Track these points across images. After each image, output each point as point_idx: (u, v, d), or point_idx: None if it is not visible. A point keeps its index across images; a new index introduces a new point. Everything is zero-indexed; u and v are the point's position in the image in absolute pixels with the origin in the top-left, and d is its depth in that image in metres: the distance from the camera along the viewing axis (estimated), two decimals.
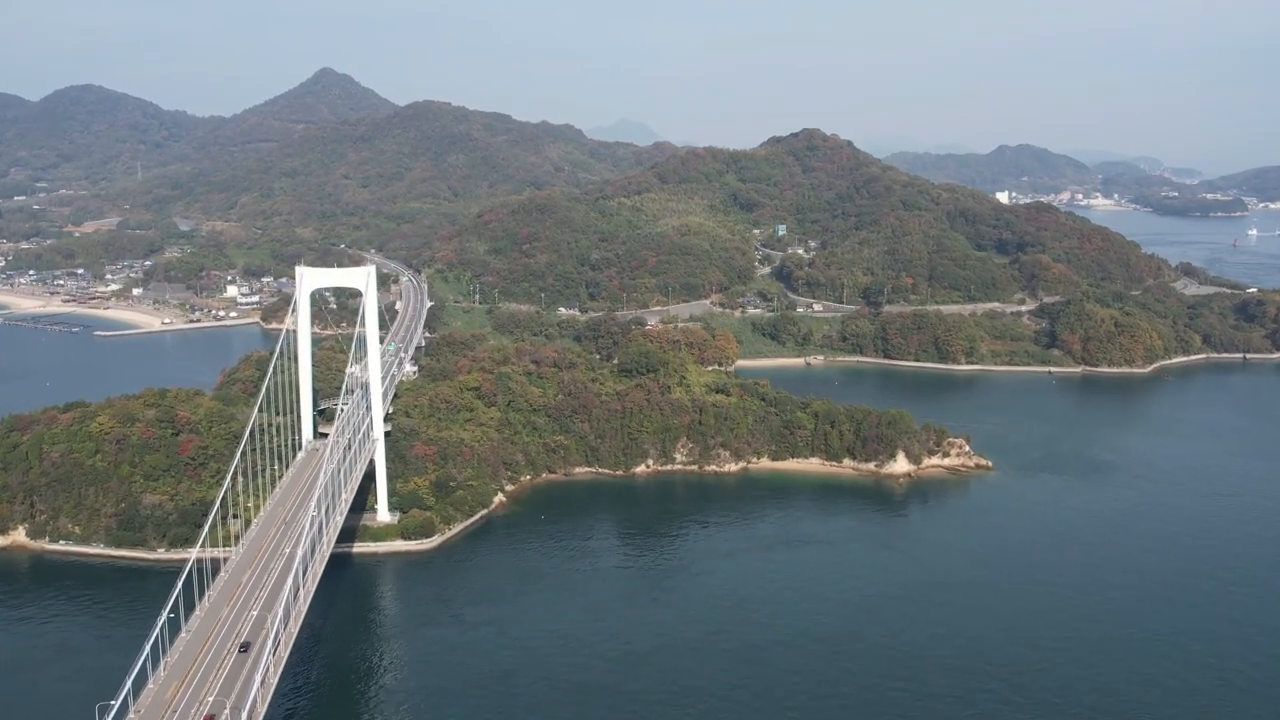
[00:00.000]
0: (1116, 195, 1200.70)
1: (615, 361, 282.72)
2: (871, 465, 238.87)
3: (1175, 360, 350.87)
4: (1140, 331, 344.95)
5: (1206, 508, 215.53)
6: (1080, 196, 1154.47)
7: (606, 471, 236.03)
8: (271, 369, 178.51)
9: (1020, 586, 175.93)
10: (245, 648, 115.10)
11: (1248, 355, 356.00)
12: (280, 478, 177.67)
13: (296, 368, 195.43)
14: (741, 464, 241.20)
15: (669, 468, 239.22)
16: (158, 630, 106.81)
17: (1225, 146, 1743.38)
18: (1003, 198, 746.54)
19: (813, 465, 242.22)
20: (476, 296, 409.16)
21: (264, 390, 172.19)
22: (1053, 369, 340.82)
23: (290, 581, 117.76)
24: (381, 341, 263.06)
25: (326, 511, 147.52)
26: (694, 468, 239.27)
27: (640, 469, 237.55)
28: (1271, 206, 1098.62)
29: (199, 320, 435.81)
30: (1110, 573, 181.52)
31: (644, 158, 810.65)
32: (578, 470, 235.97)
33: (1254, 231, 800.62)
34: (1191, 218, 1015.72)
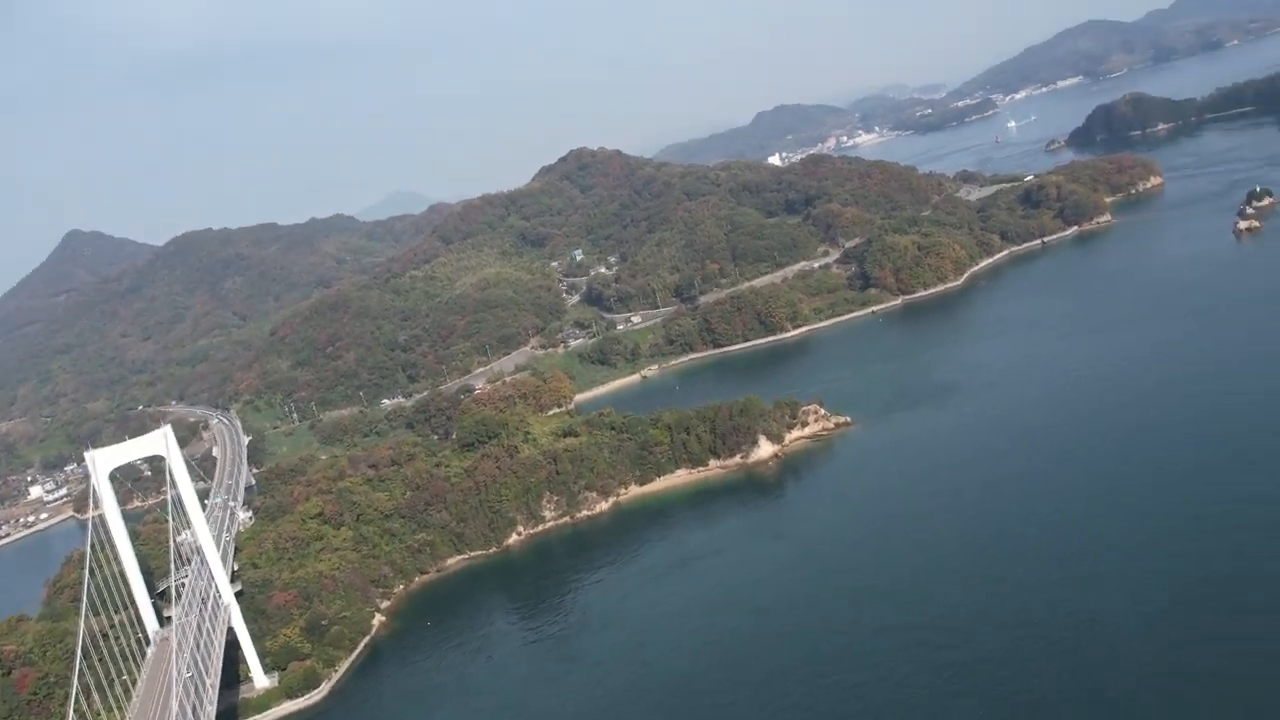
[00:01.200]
0: (877, 128, 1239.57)
1: (455, 438, 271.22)
2: (737, 459, 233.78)
3: (983, 264, 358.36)
4: (943, 248, 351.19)
5: (1056, 393, 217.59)
6: (845, 138, 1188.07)
7: (479, 553, 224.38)
8: (88, 569, 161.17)
9: (919, 533, 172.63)
10: None
11: (1045, 240, 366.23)
12: (135, 684, 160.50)
13: (119, 557, 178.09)
14: (611, 500, 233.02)
15: (541, 528, 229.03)
16: None
17: (960, 53, 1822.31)
18: (775, 160, 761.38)
19: (681, 478, 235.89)
20: (294, 416, 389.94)
21: (85, 594, 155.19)
22: (875, 308, 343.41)
23: None
24: (206, 496, 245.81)
25: (193, 709, 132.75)
26: (566, 519, 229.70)
27: (512, 539, 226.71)
28: (1017, 98, 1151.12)
29: (8, 534, 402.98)
30: (998, 484, 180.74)
31: (423, 224, 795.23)
32: (450, 562, 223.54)
33: (1012, 124, 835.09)
34: (950, 129, 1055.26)
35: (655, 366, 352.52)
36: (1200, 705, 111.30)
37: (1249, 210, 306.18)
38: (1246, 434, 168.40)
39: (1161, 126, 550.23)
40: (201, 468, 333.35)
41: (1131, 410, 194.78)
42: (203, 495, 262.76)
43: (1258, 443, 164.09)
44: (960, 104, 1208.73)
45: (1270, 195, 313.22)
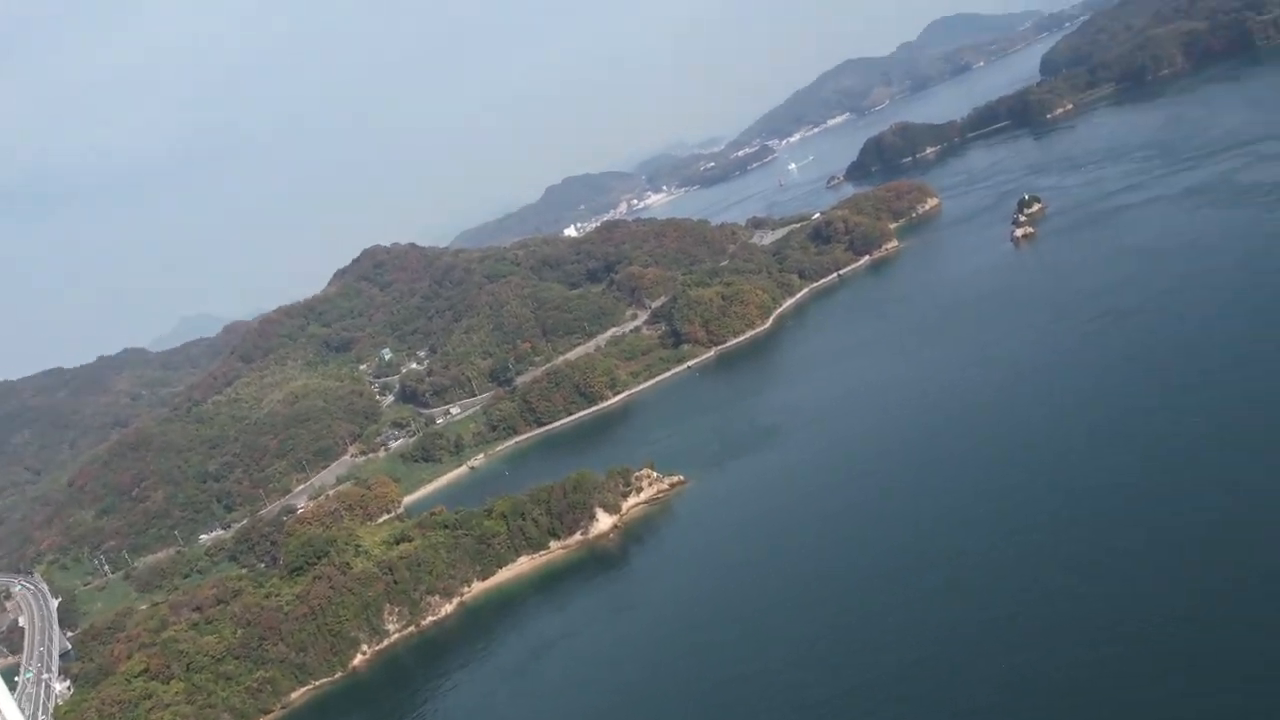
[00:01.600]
0: (665, 186, 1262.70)
1: (282, 564, 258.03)
2: (577, 536, 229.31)
3: (787, 304, 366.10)
4: (747, 294, 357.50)
5: (873, 423, 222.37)
6: (635, 201, 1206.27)
7: (324, 681, 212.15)
8: None
9: (761, 577, 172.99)
10: None
11: (840, 273, 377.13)
12: None
13: None
14: (455, 600, 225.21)
15: (386, 643, 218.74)
16: None
17: (733, 105, 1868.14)
18: (571, 232, 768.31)
19: (524, 565, 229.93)
20: (106, 569, 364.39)
21: None
22: (690, 363, 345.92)
23: None
24: (17, 673, 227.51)
25: None
26: (411, 629, 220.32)
27: (357, 660, 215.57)
28: (792, 141, 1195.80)
29: None
30: (831, 519, 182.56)
31: (221, 346, 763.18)
32: (294, 697, 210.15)
33: (792, 166, 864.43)
34: (734, 179, 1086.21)
35: (481, 455, 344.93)
36: (1054, 706, 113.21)
37: (1022, 218, 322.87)
38: (1045, 442, 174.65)
39: (929, 150, 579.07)
40: (8, 641, 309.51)
41: (943, 433, 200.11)
42: (12, 672, 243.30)
43: (1053, 449, 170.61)
44: (740, 153, 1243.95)
45: (1039, 201, 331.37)
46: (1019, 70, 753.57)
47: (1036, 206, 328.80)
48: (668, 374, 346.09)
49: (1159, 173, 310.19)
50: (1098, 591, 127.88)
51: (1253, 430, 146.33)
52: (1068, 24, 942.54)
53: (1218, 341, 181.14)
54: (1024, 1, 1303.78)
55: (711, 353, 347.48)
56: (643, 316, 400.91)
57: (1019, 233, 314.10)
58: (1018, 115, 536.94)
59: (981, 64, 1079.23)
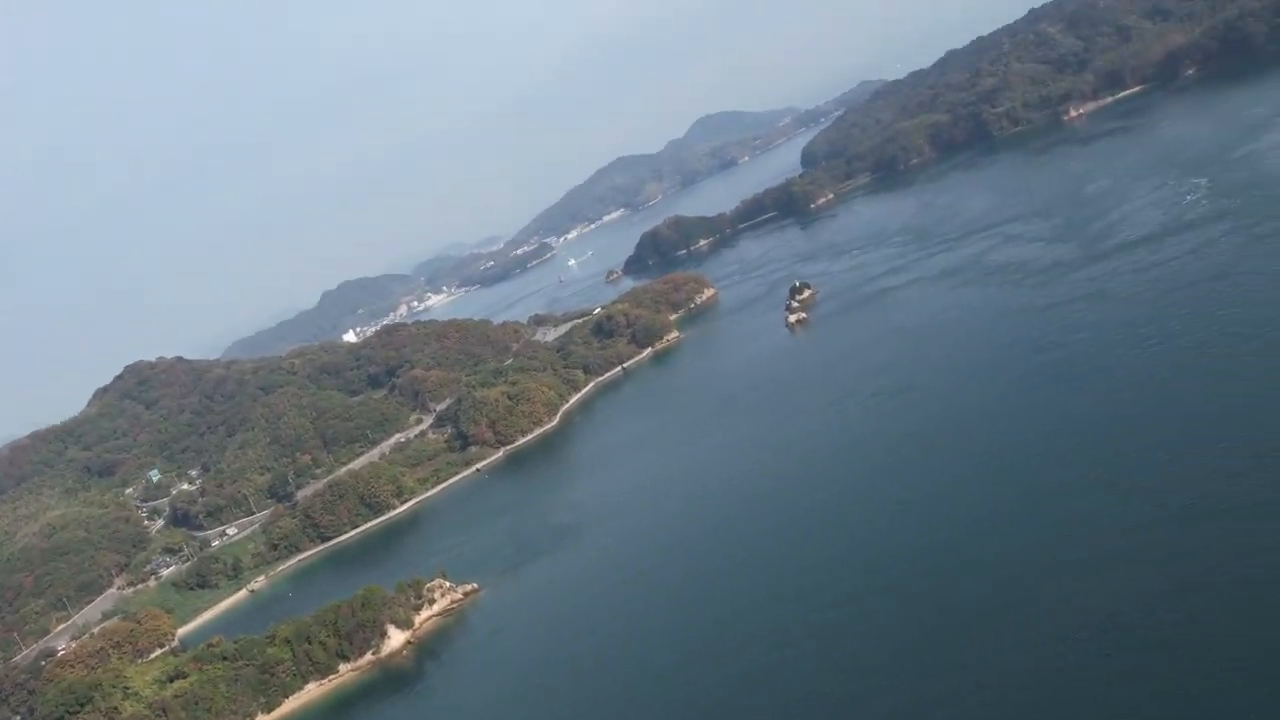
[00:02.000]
0: (445, 287, 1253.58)
1: (39, 716, 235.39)
2: (369, 656, 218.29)
3: (574, 400, 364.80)
4: (533, 392, 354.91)
5: (666, 515, 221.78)
6: (416, 303, 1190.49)
7: None
8: None
9: (564, 677, 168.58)
10: None
11: (624, 366, 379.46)
12: None
13: None
14: None
15: None
16: None
17: (508, 204, 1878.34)
18: (350, 337, 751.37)
19: (312, 693, 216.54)
20: None
21: None
22: (479, 465, 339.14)
23: None
24: None
25: None
26: None
27: None
28: (570, 238, 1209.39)
29: None
30: (625, 617, 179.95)
31: None
32: None
33: (572, 262, 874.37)
34: (515, 277, 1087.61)
35: (263, 577, 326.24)
36: None
37: (794, 304, 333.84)
38: (838, 520, 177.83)
39: (703, 242, 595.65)
40: None
41: (734, 519, 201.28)
42: None
43: (836, 530, 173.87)
44: (519, 252, 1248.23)
45: (809, 288, 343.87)
46: (781, 163, 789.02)
47: (807, 293, 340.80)
48: (456, 478, 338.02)
49: (916, 256, 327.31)
50: (911, 664, 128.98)
51: (1019, 500, 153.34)
52: (823, 119, 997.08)
53: (981, 416, 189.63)
54: (781, 99, 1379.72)
55: (500, 453, 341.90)
56: (428, 420, 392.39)
57: (793, 318, 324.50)
58: (783, 206, 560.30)
59: (746, 158, 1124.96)
